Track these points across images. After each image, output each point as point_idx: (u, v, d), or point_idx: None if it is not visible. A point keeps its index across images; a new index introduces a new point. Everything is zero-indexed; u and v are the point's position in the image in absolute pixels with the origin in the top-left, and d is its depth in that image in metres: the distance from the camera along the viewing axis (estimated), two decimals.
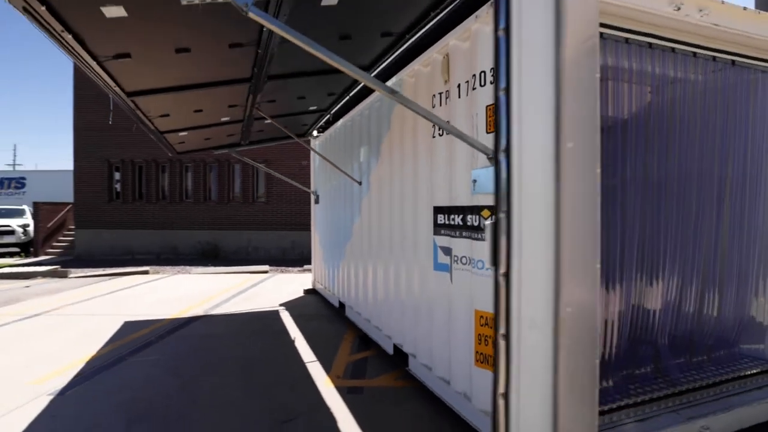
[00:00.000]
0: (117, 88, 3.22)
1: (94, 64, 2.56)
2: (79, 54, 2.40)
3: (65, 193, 16.44)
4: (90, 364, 4.47)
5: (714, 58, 2.86)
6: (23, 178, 25.09)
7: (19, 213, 16.22)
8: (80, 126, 15.36)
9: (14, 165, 41.46)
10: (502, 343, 1.96)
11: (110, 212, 15.22)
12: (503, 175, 1.96)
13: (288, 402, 3.57)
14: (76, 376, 4.12)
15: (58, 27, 2.03)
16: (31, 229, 15.45)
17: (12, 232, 15.10)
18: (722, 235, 3.15)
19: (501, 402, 1.99)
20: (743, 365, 3.18)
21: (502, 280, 1.99)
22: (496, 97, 2.03)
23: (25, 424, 3.17)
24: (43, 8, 1.82)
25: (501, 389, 1.97)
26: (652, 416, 2.64)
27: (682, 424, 2.57)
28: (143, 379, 4.08)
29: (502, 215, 1.95)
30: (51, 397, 3.63)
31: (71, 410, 3.43)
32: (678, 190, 2.91)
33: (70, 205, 15.80)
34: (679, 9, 2.49)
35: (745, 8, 2.70)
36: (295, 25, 2.12)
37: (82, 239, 15.00)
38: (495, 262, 1.99)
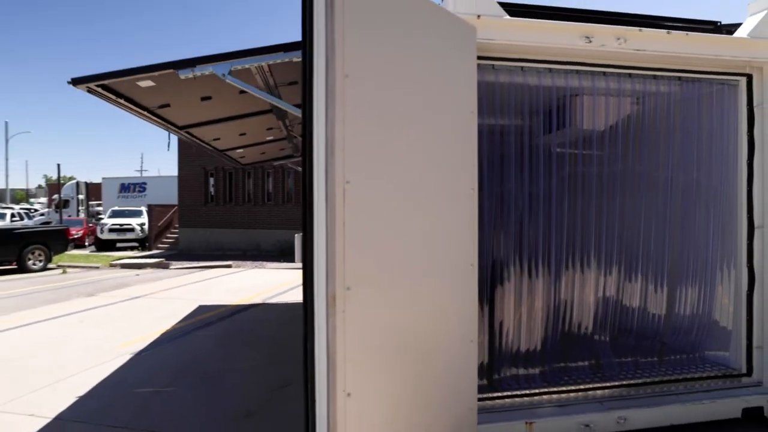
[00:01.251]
0: (170, 125, 4.29)
1: (146, 113, 3.59)
2: (133, 108, 3.43)
3: (175, 197, 19.39)
4: (164, 335, 5.74)
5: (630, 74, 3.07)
6: (144, 183, 29.61)
7: (138, 213, 19.49)
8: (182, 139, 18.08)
9: (141, 171, 48.82)
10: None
11: (206, 213, 17.67)
12: None
13: (292, 375, 4.37)
14: (152, 343, 5.37)
15: (113, 96, 3.03)
16: (146, 227, 18.51)
17: (132, 230, 18.27)
18: (672, 239, 3.30)
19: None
20: (696, 369, 3.27)
21: None
22: None
23: (110, 371, 4.38)
24: (100, 89, 2.81)
25: None
26: (575, 404, 2.95)
27: (601, 413, 2.85)
28: (198, 347, 5.19)
29: None
30: (131, 355, 4.87)
31: (142, 364, 4.61)
32: (611, 191, 3.17)
33: (176, 207, 18.62)
34: (590, 41, 2.79)
35: (668, 32, 2.88)
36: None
37: (184, 236, 17.65)
38: None
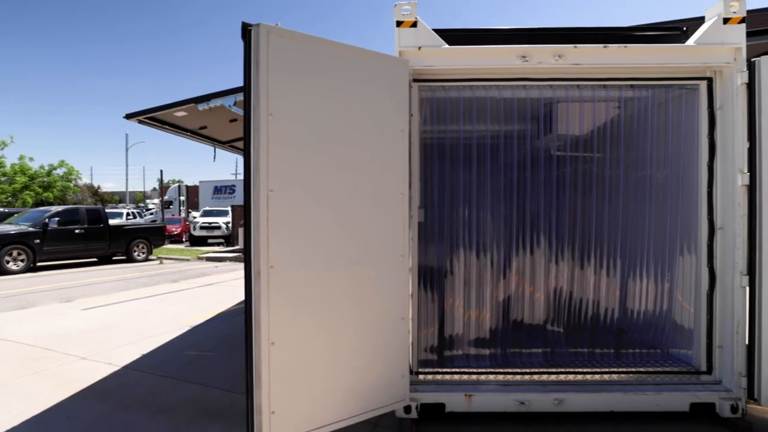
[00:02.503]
0: (215, 141, 5.29)
1: (190, 134, 4.56)
2: (179, 131, 4.41)
3: None
4: (221, 313, 6.87)
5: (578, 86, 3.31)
6: (234, 186, 32.92)
7: (224, 213, 21.97)
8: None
9: (236, 174, 54.01)
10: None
11: None
12: None
13: None
14: (209, 319, 6.50)
15: (159, 125, 3.99)
16: (230, 225, 20.84)
17: (219, 227, 20.70)
18: (634, 239, 3.45)
19: None
20: (658, 365, 3.39)
21: None
22: None
23: (171, 338, 5.51)
24: (148, 120, 3.77)
25: None
26: (518, 384, 3.28)
27: (539, 393, 3.16)
28: (240, 323, 6.19)
29: None
30: (189, 327, 6.01)
31: (196, 334, 5.69)
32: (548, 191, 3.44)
33: None
34: (527, 60, 3.13)
35: (605, 45, 3.09)
36: None
37: None
38: None
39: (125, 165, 47.97)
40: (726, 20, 3.08)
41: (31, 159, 29.23)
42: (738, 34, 3.07)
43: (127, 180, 47.69)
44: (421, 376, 3.31)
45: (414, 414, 3.07)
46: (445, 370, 3.36)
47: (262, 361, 2.35)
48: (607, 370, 3.34)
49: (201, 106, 3.52)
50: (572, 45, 3.10)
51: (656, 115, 3.43)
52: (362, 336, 2.75)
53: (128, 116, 3.78)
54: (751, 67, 3.01)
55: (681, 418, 3.13)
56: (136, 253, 14.07)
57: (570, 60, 3.12)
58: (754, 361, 2.98)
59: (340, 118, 2.65)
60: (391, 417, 3.10)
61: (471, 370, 3.35)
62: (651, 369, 3.35)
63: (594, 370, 3.34)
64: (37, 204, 27.29)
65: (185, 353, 4.92)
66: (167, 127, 4.12)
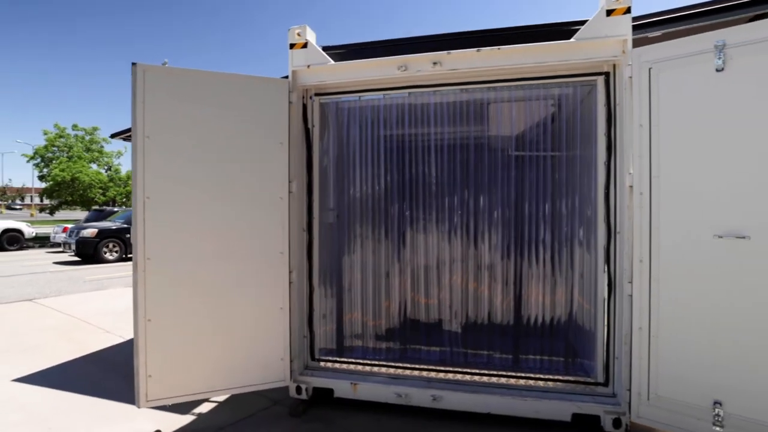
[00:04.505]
0: None
1: None
2: None
3: None
4: None
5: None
6: None
7: None
8: None
9: None
10: None
11: None
12: None
13: None
14: None
15: None
16: None
17: None
18: (531, 240, 3.39)
19: None
20: (557, 372, 3.28)
21: None
22: None
23: None
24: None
25: None
26: (404, 378, 3.42)
27: (419, 388, 3.29)
28: None
29: None
30: None
31: None
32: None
33: None
34: (406, 69, 3.28)
35: (478, 50, 3.11)
36: None
37: None
38: None
39: None
40: (609, 12, 2.92)
41: None
42: (623, 25, 2.89)
43: None
44: (322, 363, 3.64)
45: (304, 396, 3.42)
46: (342, 359, 3.63)
47: (140, 334, 2.92)
48: (495, 372, 3.33)
49: None
50: (446, 52, 3.18)
51: (550, 112, 3.32)
52: (238, 320, 3.18)
53: (112, 135, 4.68)
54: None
55: (567, 427, 3.03)
56: None
57: (447, 66, 3.21)
58: (630, 373, 2.80)
59: (217, 135, 3.11)
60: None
61: (365, 362, 3.58)
62: (545, 376, 3.25)
63: (481, 371, 3.36)
64: None
65: None
66: None
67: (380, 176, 3.66)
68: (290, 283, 3.46)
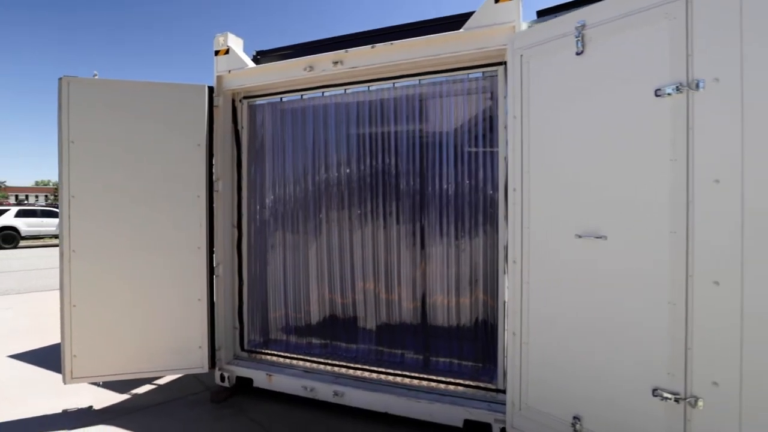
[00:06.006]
0: None
1: None
2: None
3: None
4: None
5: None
6: None
7: None
8: None
9: None
10: None
11: None
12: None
13: None
14: None
15: None
16: None
17: None
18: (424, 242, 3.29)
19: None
20: (460, 377, 3.16)
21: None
22: None
23: None
24: None
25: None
26: (317, 373, 3.48)
27: (324, 383, 3.33)
28: None
29: None
30: None
31: None
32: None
33: None
34: (312, 69, 3.34)
35: (373, 46, 3.07)
36: None
37: None
38: None
39: None
40: None
41: None
42: (510, 12, 2.72)
43: None
44: (251, 354, 3.82)
45: (227, 383, 3.62)
46: (268, 351, 3.78)
47: (66, 318, 3.28)
48: (400, 372, 3.28)
49: None
50: (344, 50, 3.19)
51: (456, 105, 3.18)
52: (159, 309, 3.44)
53: None
54: None
55: None
56: None
57: (348, 64, 3.22)
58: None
59: (138, 139, 3.39)
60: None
61: (287, 355, 3.69)
62: (447, 380, 3.15)
63: (388, 370, 3.32)
64: None
65: None
66: None
67: (306, 177, 3.74)
68: (216, 276, 3.67)
